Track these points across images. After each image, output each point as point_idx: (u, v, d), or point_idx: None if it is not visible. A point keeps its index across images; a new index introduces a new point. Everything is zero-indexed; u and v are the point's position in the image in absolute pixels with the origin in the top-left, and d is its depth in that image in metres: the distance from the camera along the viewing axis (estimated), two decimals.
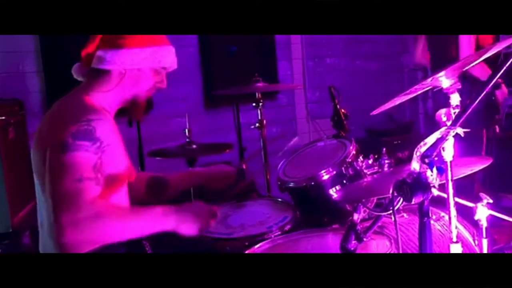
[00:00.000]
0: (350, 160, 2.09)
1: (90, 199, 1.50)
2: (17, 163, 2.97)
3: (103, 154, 1.59)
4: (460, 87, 1.45)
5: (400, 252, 1.41)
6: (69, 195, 1.47)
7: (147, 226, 1.61)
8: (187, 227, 1.70)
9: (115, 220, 1.53)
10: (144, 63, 1.76)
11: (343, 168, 2.08)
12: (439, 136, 1.22)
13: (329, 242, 1.90)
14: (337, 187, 2.07)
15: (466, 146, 1.36)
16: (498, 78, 1.26)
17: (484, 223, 1.51)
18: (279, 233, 2.06)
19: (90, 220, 1.47)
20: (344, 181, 2.07)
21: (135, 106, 1.82)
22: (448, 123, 1.31)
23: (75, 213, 1.45)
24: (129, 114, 1.84)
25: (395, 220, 1.28)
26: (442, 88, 1.45)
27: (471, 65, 1.46)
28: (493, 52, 1.41)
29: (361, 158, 2.13)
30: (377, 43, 4.89)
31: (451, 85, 1.43)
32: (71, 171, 1.50)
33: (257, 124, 3.01)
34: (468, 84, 2.22)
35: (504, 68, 1.25)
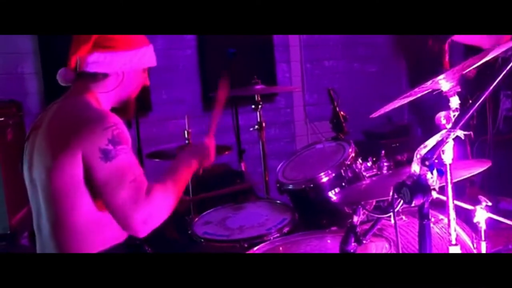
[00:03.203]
0: (349, 162, 2.10)
1: (147, 192, 1.61)
2: (15, 164, 2.96)
3: (132, 153, 1.67)
4: (459, 90, 1.45)
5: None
6: (132, 196, 1.58)
7: (185, 180, 1.76)
8: (206, 162, 1.89)
9: (169, 196, 1.67)
10: (138, 64, 1.78)
11: (342, 171, 2.08)
12: (439, 138, 1.22)
13: (328, 244, 1.90)
14: (336, 190, 2.07)
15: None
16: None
17: (483, 226, 1.52)
18: (278, 235, 2.06)
19: (157, 208, 1.61)
20: (343, 184, 2.08)
21: (128, 106, 1.85)
22: (448, 126, 1.31)
23: (144, 209, 1.57)
24: (121, 114, 1.86)
25: (395, 223, 1.28)
26: (441, 91, 1.45)
27: (470, 68, 1.47)
28: (492, 56, 1.41)
29: (360, 160, 2.14)
30: (375, 45, 4.89)
31: (450, 88, 1.44)
32: (124, 175, 1.59)
33: (256, 126, 3.02)
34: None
35: (504, 73, 1.25)
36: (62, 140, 1.63)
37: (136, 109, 1.92)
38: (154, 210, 1.60)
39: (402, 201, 1.22)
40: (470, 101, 1.25)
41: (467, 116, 1.24)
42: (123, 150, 1.61)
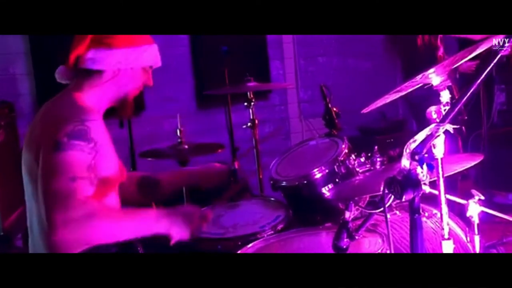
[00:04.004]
0: (342, 158, 2.09)
1: (83, 199, 1.48)
2: (8, 165, 2.95)
3: (97, 154, 1.59)
4: (450, 84, 1.45)
5: (392, 249, 1.41)
6: (62, 194, 1.46)
7: (139, 228, 1.61)
8: (179, 231, 1.70)
9: (108, 221, 1.52)
10: (136, 62, 1.77)
11: (335, 167, 2.07)
12: (429, 133, 1.22)
13: (322, 241, 1.89)
14: (330, 186, 2.07)
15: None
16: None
17: (476, 220, 1.51)
18: (272, 232, 2.05)
19: (82, 219, 1.45)
20: (337, 180, 2.07)
21: (125, 105, 1.84)
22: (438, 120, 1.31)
23: (68, 212, 1.43)
24: (119, 113, 1.86)
25: (386, 218, 1.28)
26: (432, 85, 1.45)
27: (461, 62, 1.47)
28: (482, 50, 1.41)
29: (353, 156, 2.13)
30: (369, 42, 4.89)
31: (441, 82, 1.43)
32: (65, 169, 1.49)
33: (249, 124, 3.01)
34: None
35: (492, 64, 1.24)
36: (40, 139, 1.62)
37: (134, 108, 1.91)
38: (83, 220, 1.44)
39: (393, 196, 1.22)
40: (457, 96, 1.25)
41: (455, 110, 1.23)
42: (78, 147, 1.53)
